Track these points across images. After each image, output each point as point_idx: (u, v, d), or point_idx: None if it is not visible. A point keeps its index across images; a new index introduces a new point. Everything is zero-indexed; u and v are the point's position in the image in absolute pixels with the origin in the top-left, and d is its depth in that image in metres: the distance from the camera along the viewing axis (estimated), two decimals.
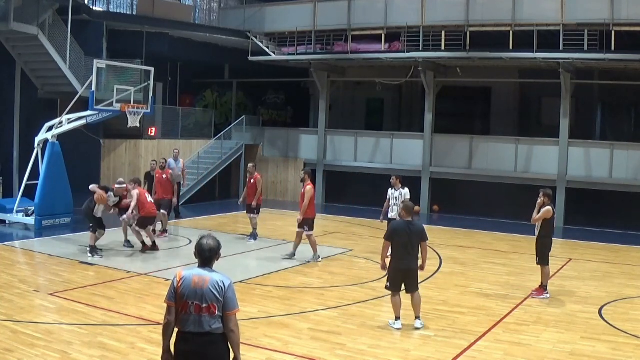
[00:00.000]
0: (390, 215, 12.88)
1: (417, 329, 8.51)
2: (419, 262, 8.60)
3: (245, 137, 23.76)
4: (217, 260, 4.96)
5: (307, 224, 12.59)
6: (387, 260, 8.75)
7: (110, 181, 19.20)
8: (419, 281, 8.71)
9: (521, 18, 18.26)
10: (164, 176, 15.00)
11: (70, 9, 16.92)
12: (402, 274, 8.52)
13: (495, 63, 19.85)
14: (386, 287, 8.67)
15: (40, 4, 16.72)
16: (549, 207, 10.37)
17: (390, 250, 8.68)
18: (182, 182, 17.51)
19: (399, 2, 20.53)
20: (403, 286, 8.58)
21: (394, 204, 12.78)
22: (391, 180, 13.23)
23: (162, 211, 14.51)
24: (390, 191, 13.12)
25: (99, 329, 8.09)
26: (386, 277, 8.72)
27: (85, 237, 14.40)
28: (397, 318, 8.59)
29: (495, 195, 19.74)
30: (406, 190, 12.98)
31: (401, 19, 20.09)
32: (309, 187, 12.59)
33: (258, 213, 14.70)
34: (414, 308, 8.64)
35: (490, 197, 19.93)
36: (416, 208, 20.88)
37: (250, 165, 14.92)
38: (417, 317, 8.64)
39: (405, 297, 8.64)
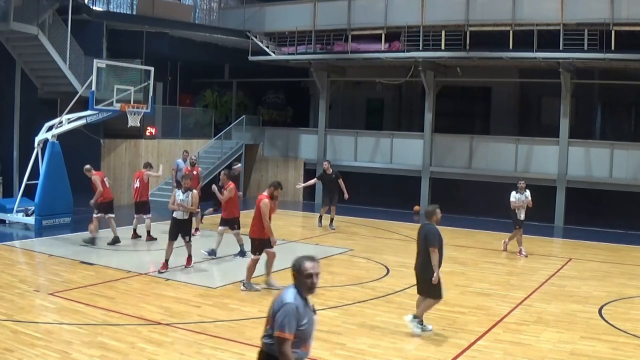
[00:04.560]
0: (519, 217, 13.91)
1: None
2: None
3: (245, 137, 23.76)
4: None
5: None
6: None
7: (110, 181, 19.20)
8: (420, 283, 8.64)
9: (521, 18, 18.26)
10: (194, 172, 15.50)
11: (70, 8, 16.91)
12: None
13: (495, 63, 19.84)
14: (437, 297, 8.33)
15: (40, 4, 16.70)
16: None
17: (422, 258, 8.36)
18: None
19: (399, 2, 20.52)
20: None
21: (520, 206, 13.85)
22: (519, 184, 13.99)
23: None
24: (516, 195, 13.86)
25: (99, 328, 8.10)
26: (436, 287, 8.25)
27: (85, 237, 14.43)
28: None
29: (495, 195, 19.70)
30: (527, 193, 13.94)
31: (401, 18, 20.08)
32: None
33: (239, 228, 12.92)
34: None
35: (490, 197, 19.91)
36: (415, 208, 21.00)
37: (222, 173, 13.57)
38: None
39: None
